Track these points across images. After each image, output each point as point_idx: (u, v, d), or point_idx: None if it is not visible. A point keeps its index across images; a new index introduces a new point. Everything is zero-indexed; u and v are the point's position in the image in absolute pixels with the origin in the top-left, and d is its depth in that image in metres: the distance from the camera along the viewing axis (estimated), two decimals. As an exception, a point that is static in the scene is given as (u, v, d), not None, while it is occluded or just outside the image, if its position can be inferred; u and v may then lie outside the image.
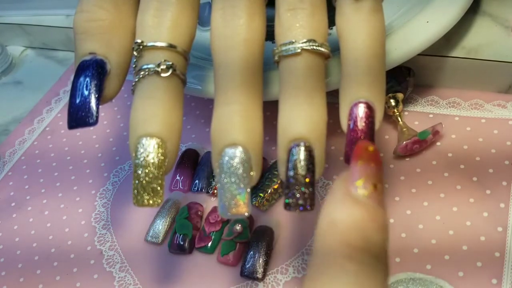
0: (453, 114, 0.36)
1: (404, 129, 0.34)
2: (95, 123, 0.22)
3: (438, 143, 0.35)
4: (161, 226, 0.34)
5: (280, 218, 0.33)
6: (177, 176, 0.37)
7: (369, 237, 0.16)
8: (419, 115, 0.37)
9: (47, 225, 0.37)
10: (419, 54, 0.32)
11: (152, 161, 0.22)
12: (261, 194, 0.34)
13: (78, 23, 0.24)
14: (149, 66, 0.22)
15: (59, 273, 0.34)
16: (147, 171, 0.22)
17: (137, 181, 0.22)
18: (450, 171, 0.33)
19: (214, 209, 0.34)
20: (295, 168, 0.21)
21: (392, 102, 0.35)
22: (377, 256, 0.16)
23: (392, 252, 0.30)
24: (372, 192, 0.16)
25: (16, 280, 0.35)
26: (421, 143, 0.34)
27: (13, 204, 0.40)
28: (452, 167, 0.33)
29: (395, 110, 0.35)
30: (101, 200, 0.38)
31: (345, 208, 0.16)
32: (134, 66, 0.23)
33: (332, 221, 0.16)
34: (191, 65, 0.34)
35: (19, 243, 0.37)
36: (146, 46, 0.23)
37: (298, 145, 0.21)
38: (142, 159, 0.22)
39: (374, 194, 0.16)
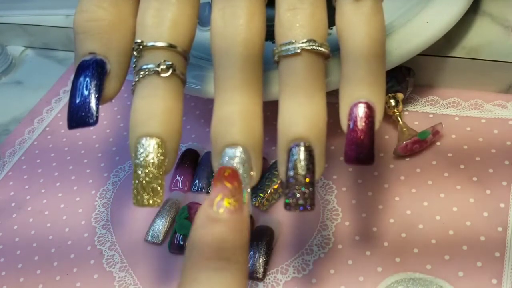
0: (453, 114, 0.36)
1: (404, 129, 0.34)
2: (95, 123, 0.22)
3: (438, 143, 0.35)
4: (161, 226, 0.34)
5: (280, 218, 0.33)
6: (177, 176, 0.37)
7: (222, 246, 0.19)
8: (419, 115, 0.37)
9: (47, 225, 0.37)
10: (419, 54, 0.32)
11: (152, 161, 0.22)
12: (261, 194, 0.34)
13: (78, 23, 0.24)
14: (149, 66, 0.22)
15: (59, 273, 0.34)
16: (147, 171, 0.22)
17: (137, 181, 0.22)
18: (450, 171, 0.33)
19: (214, 209, 0.34)
20: (295, 168, 0.21)
21: (392, 102, 0.35)
22: (229, 259, 0.19)
23: (392, 252, 0.30)
24: (226, 207, 0.20)
25: (16, 280, 0.35)
26: (421, 143, 0.34)
27: (13, 204, 0.40)
28: (452, 167, 0.33)
29: (395, 110, 0.35)
30: (101, 200, 0.38)
31: (203, 227, 0.20)
32: (134, 66, 0.23)
33: (193, 241, 0.20)
34: (191, 65, 0.34)
35: (19, 243, 0.37)
36: (146, 46, 0.23)
37: (298, 145, 0.21)
38: (142, 159, 0.22)
39: (228, 208, 0.20)
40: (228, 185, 0.20)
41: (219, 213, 0.20)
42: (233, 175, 0.21)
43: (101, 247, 0.35)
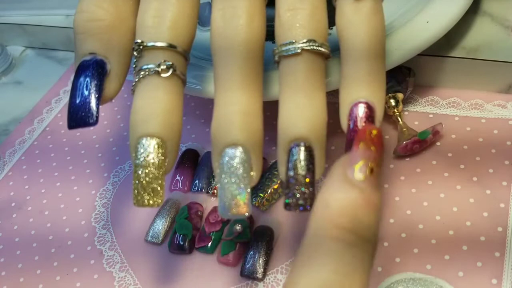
0: (453, 114, 0.36)
1: (404, 129, 0.34)
2: (95, 123, 0.22)
3: (438, 143, 0.35)
4: (161, 226, 0.34)
5: (280, 218, 0.33)
6: (177, 176, 0.37)
7: (359, 219, 0.17)
8: (419, 115, 0.37)
9: (47, 225, 0.37)
10: (419, 54, 0.32)
11: (152, 161, 0.22)
12: (261, 194, 0.34)
13: (78, 23, 0.24)
14: (149, 66, 0.22)
15: (59, 273, 0.34)
16: (147, 171, 0.22)
17: (137, 181, 0.22)
18: (450, 171, 0.33)
19: (214, 209, 0.34)
20: (295, 168, 0.21)
21: (392, 102, 0.35)
22: (364, 238, 0.17)
23: (392, 252, 0.30)
24: (368, 176, 0.17)
25: (16, 280, 0.35)
26: (421, 143, 0.34)
27: (13, 204, 0.40)
28: (452, 167, 0.33)
29: (395, 110, 0.35)
30: (101, 200, 0.38)
31: (339, 191, 0.17)
32: (134, 66, 0.23)
33: (325, 204, 0.17)
34: (191, 65, 0.34)
35: (19, 243, 0.37)
36: (146, 46, 0.23)
37: (298, 145, 0.21)
38: (142, 159, 0.22)
39: (370, 178, 0.17)
40: (374, 149, 0.17)
41: (360, 180, 0.17)
42: (381, 138, 0.18)
43: (101, 247, 0.35)
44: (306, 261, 0.16)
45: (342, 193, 0.17)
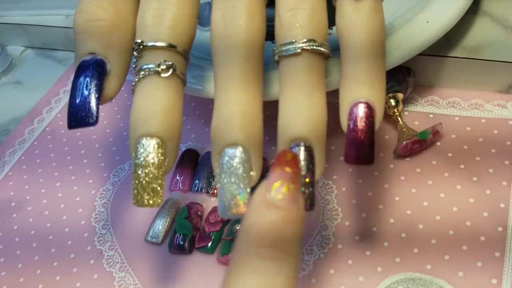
0: (453, 114, 0.36)
1: (404, 129, 0.34)
2: (95, 123, 0.22)
3: (438, 143, 0.35)
4: (161, 226, 0.34)
5: (280, 218, 0.33)
6: (177, 176, 0.37)
7: (280, 236, 0.18)
8: (419, 115, 0.37)
9: (47, 225, 0.37)
10: (419, 54, 0.32)
11: (152, 161, 0.22)
12: (261, 194, 0.34)
13: (78, 23, 0.24)
14: (149, 66, 0.22)
15: (59, 273, 0.34)
16: (147, 171, 0.22)
17: (137, 181, 0.22)
18: (450, 171, 0.33)
19: (214, 209, 0.34)
20: (295, 168, 0.21)
21: (392, 102, 0.35)
22: (287, 251, 0.18)
23: (392, 252, 0.30)
24: (285, 194, 0.19)
25: (16, 280, 0.35)
26: (421, 143, 0.34)
27: (13, 204, 0.40)
28: (452, 167, 0.33)
29: (395, 110, 0.35)
30: (101, 200, 0.38)
31: (260, 215, 0.19)
32: (134, 66, 0.23)
33: (248, 226, 0.19)
34: (191, 65, 0.34)
35: (19, 243, 0.37)
36: (146, 46, 0.23)
37: (298, 145, 0.21)
38: (142, 159, 0.22)
39: (288, 195, 0.19)
40: (289, 170, 0.19)
41: (278, 200, 0.19)
42: (295, 160, 0.20)
43: (101, 247, 0.35)
44: (232, 276, 0.18)
45: (263, 216, 0.18)
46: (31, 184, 0.41)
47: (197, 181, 0.36)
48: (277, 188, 0.19)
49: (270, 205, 0.19)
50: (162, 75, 0.22)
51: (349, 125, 0.22)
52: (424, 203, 0.32)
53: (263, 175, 0.34)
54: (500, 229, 0.30)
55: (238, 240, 0.19)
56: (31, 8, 0.54)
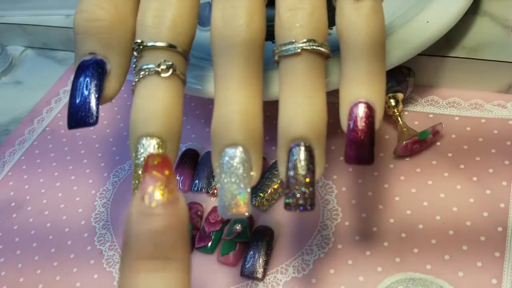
0: (453, 114, 0.36)
1: (404, 129, 0.34)
2: (95, 123, 0.22)
3: (438, 143, 0.35)
4: (161, 226, 0.34)
5: (280, 218, 0.33)
6: (177, 176, 0.37)
7: (161, 244, 0.18)
8: (419, 115, 0.37)
9: (47, 225, 0.37)
10: (419, 54, 0.32)
11: (152, 161, 0.22)
12: (261, 194, 0.34)
13: (78, 23, 0.24)
14: (149, 66, 0.22)
15: (59, 273, 0.34)
16: (147, 171, 0.22)
17: (137, 181, 0.22)
18: (450, 171, 0.33)
19: (214, 209, 0.34)
20: (295, 168, 0.21)
21: (392, 102, 0.35)
22: (171, 258, 0.18)
23: (392, 252, 0.30)
24: (159, 200, 0.18)
25: (16, 280, 0.35)
26: (421, 143, 0.34)
27: (13, 204, 0.40)
28: (452, 167, 0.33)
29: (395, 110, 0.35)
30: (101, 200, 0.38)
31: (136, 227, 0.18)
32: (134, 66, 0.23)
33: (126, 240, 0.18)
34: (191, 65, 0.34)
35: (19, 243, 0.37)
36: (146, 46, 0.23)
37: (298, 145, 0.21)
38: (142, 159, 0.22)
39: (162, 200, 0.18)
40: (158, 174, 0.18)
41: (152, 207, 0.18)
42: (163, 163, 0.19)
43: (101, 247, 0.35)
44: None
45: (140, 227, 0.18)
46: (31, 184, 0.41)
47: (197, 181, 0.36)
48: (150, 195, 0.18)
49: (145, 214, 0.18)
50: (162, 75, 0.22)
51: (349, 125, 0.22)
52: (424, 203, 0.32)
53: (263, 175, 0.35)
54: (500, 229, 0.30)
55: (120, 258, 0.19)
56: (31, 8, 0.54)
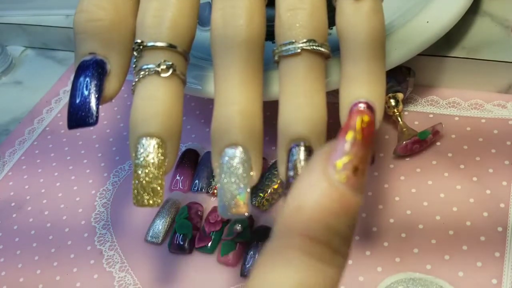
0: (453, 114, 0.36)
1: (404, 129, 0.34)
2: (95, 123, 0.22)
3: (438, 143, 0.35)
4: (161, 226, 0.34)
5: (280, 218, 0.33)
6: (177, 176, 0.37)
7: (332, 229, 0.14)
8: (419, 115, 0.37)
9: (47, 225, 0.37)
10: (419, 54, 0.32)
11: (152, 161, 0.22)
12: (261, 194, 0.34)
13: (78, 23, 0.24)
14: (149, 66, 0.22)
15: (59, 273, 0.34)
16: (147, 171, 0.22)
17: (137, 181, 0.22)
18: (450, 171, 0.33)
19: (214, 209, 0.34)
20: (295, 168, 0.21)
21: (392, 102, 0.35)
22: (335, 250, 0.14)
23: (392, 252, 0.30)
24: (351, 177, 0.14)
25: (16, 280, 0.35)
26: (421, 143, 0.34)
27: (13, 204, 0.40)
28: (452, 167, 0.33)
29: (395, 110, 0.35)
30: (101, 200, 0.38)
31: (315, 193, 0.14)
32: (134, 66, 0.23)
33: (297, 205, 0.14)
34: (191, 65, 0.34)
35: (19, 243, 0.37)
36: (146, 46, 0.23)
37: (298, 145, 0.21)
38: (142, 159, 0.22)
39: (353, 179, 0.14)
40: (363, 143, 0.14)
41: (341, 181, 0.14)
42: (372, 126, 0.15)
43: (101, 247, 0.35)
44: (268, 266, 0.14)
45: (318, 195, 0.14)
46: (31, 184, 0.41)
47: (197, 181, 0.36)
48: (344, 166, 0.14)
49: (330, 183, 0.14)
50: (162, 75, 0.22)
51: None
52: (424, 203, 0.32)
53: (263, 175, 0.35)
54: (500, 229, 0.30)
55: (280, 218, 0.15)
56: (31, 8, 0.54)
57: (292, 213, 0.14)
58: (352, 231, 0.15)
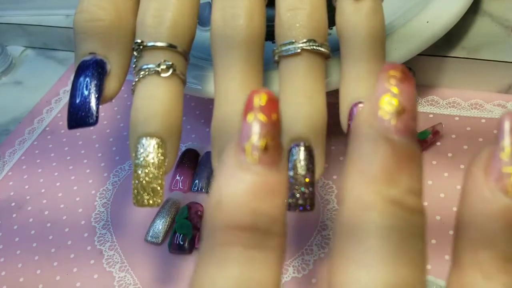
0: (453, 114, 0.36)
1: (404, 129, 0.34)
2: (95, 123, 0.22)
3: (438, 143, 0.35)
4: (161, 226, 0.34)
5: (280, 218, 0.33)
6: (177, 176, 0.37)
7: (257, 212, 0.14)
8: (419, 115, 0.37)
9: (47, 225, 0.37)
10: (419, 54, 0.32)
11: (152, 161, 0.22)
12: (261, 194, 0.34)
13: (78, 23, 0.24)
14: (149, 66, 0.22)
15: (59, 273, 0.34)
16: (147, 171, 0.22)
17: (137, 181, 0.22)
18: (450, 171, 0.33)
19: (214, 209, 0.34)
20: (295, 168, 0.21)
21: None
22: (268, 231, 0.14)
23: (392, 252, 0.30)
24: (262, 155, 0.14)
25: (16, 280, 0.35)
26: (421, 143, 0.34)
27: (13, 204, 0.40)
28: (452, 167, 0.33)
29: (395, 110, 0.35)
30: (101, 200, 0.38)
31: (230, 182, 0.14)
32: (134, 66, 0.23)
33: (216, 200, 0.14)
34: (191, 65, 0.34)
35: (19, 243, 0.37)
36: (146, 46, 0.23)
37: (298, 145, 0.21)
38: (142, 159, 0.22)
39: (264, 158, 0.14)
40: (264, 119, 0.14)
41: (254, 162, 0.14)
42: (271, 103, 0.14)
43: (101, 247, 0.35)
44: (203, 273, 0.14)
45: (234, 184, 0.14)
46: (31, 184, 0.41)
47: (197, 181, 0.36)
48: (252, 147, 0.14)
49: (244, 168, 0.14)
50: (162, 75, 0.22)
51: (349, 125, 0.22)
52: (424, 203, 0.32)
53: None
54: (500, 229, 0.30)
55: (206, 221, 0.14)
56: (31, 8, 0.54)
57: (212, 210, 0.14)
58: (281, 210, 0.14)
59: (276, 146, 0.14)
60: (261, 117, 0.14)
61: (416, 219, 0.15)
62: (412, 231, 0.14)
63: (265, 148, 0.14)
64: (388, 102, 0.13)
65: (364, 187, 0.13)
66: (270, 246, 0.14)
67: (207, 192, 0.36)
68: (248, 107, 0.14)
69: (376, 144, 0.13)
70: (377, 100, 0.13)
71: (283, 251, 0.14)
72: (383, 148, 0.13)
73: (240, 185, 0.14)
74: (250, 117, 0.14)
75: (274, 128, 0.14)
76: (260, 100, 0.14)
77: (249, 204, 0.14)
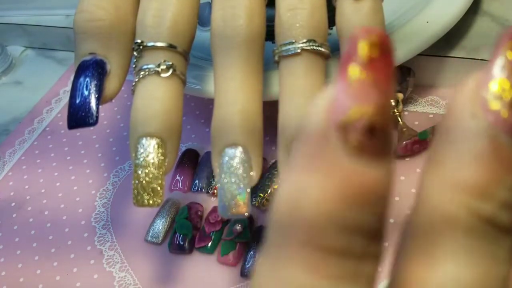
0: (453, 114, 0.36)
1: (404, 129, 0.34)
2: (95, 123, 0.22)
3: (438, 143, 0.35)
4: (161, 226, 0.34)
5: (280, 218, 0.33)
6: (177, 176, 0.37)
7: (350, 230, 0.10)
8: (419, 115, 0.37)
9: (47, 225, 0.37)
10: (419, 54, 0.32)
11: (152, 161, 0.22)
12: (261, 194, 0.34)
13: (78, 23, 0.24)
14: (149, 66, 0.22)
15: (59, 273, 0.34)
16: (147, 171, 0.22)
17: (137, 181, 0.22)
18: (450, 171, 0.33)
19: (214, 209, 0.34)
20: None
21: (392, 102, 0.35)
22: (361, 257, 0.11)
23: (392, 252, 0.30)
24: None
25: (16, 280, 0.35)
26: (421, 143, 0.34)
27: (13, 204, 0.40)
28: (452, 167, 0.33)
29: (395, 110, 0.35)
30: (101, 200, 0.38)
31: (317, 179, 0.10)
32: (134, 66, 0.23)
33: (295, 205, 0.10)
34: (191, 65, 0.34)
35: (19, 243, 0.37)
36: (146, 46, 0.23)
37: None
38: (142, 159, 0.22)
39: (368, 146, 0.10)
40: (372, 84, 0.10)
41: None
42: (386, 55, 0.10)
43: (101, 247, 0.35)
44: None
45: (321, 183, 0.10)
46: (31, 184, 0.41)
47: (197, 181, 0.36)
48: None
49: (335, 158, 0.10)
50: (162, 75, 0.22)
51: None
52: (424, 203, 0.32)
53: (263, 175, 0.35)
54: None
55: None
56: (31, 8, 0.54)
57: (287, 217, 0.10)
58: (383, 223, 0.11)
59: (385, 131, 0.10)
60: (368, 78, 0.09)
61: (509, 240, 0.10)
62: (501, 255, 0.10)
63: (371, 131, 0.09)
64: (501, 86, 0.09)
65: (448, 196, 0.10)
66: (364, 275, 0.11)
67: (207, 192, 0.36)
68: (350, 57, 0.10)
69: (475, 143, 0.10)
70: (488, 80, 0.09)
71: (375, 278, 0.11)
72: (486, 150, 0.10)
73: (328, 185, 0.10)
74: (354, 72, 0.09)
75: (386, 100, 0.10)
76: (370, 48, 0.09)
77: (342, 215, 0.10)
